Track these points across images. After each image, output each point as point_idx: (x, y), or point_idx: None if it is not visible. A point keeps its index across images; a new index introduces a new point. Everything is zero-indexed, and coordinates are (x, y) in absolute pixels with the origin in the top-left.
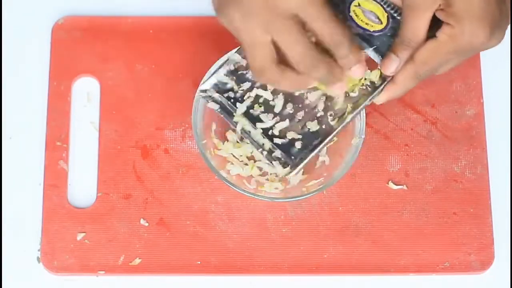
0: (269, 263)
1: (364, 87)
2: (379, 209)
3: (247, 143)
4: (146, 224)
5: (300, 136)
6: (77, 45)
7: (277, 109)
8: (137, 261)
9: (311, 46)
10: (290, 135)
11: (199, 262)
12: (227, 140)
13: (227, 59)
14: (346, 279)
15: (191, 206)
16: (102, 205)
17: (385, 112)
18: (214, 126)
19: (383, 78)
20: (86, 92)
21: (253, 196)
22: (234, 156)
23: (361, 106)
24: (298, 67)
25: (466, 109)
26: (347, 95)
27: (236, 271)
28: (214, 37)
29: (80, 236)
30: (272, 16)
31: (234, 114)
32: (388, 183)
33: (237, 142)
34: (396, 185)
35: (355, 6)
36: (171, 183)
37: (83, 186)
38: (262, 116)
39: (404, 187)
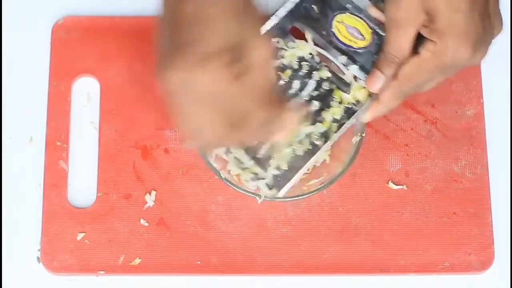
0: (269, 263)
1: (349, 106)
2: (379, 209)
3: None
4: (146, 224)
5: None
6: (77, 45)
7: None
8: (137, 261)
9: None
10: (275, 156)
11: (199, 262)
12: None
13: None
14: (346, 279)
15: (191, 206)
16: (102, 205)
17: None
18: None
19: (369, 96)
20: (86, 92)
21: (253, 196)
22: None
23: (346, 125)
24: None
25: (466, 109)
26: (333, 117)
27: (236, 271)
28: None
29: (80, 236)
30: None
31: None
32: (388, 183)
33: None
34: (396, 185)
35: (338, 22)
36: (171, 183)
37: (83, 186)
38: None
39: (404, 187)
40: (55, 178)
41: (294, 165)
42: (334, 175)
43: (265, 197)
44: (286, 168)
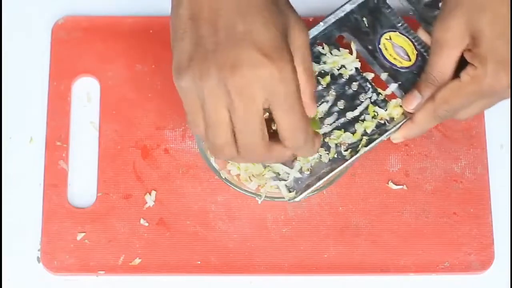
0: (269, 263)
1: (382, 122)
2: (379, 209)
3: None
4: (146, 224)
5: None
6: (77, 45)
7: None
8: (137, 261)
9: (265, 141)
10: (300, 158)
11: (199, 262)
12: None
13: None
14: (346, 279)
15: (191, 206)
16: (102, 205)
17: None
18: None
19: (403, 115)
20: (86, 92)
21: (253, 196)
22: None
23: (376, 141)
24: (248, 156)
25: None
26: (364, 130)
27: (236, 271)
28: None
29: (80, 236)
30: (238, 99)
31: None
32: (388, 183)
33: None
34: (396, 185)
35: (386, 39)
36: (171, 183)
37: (83, 186)
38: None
39: (404, 187)
40: (55, 178)
41: (317, 171)
42: (334, 175)
43: (283, 198)
44: (309, 173)
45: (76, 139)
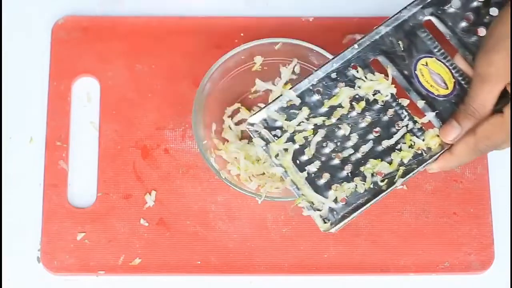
0: (269, 263)
1: (419, 152)
2: (379, 209)
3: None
4: (146, 224)
5: (346, 192)
6: (77, 45)
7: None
8: (137, 261)
9: None
10: (335, 188)
11: (199, 262)
12: (227, 141)
13: (281, 95)
14: (346, 279)
15: (191, 206)
16: (102, 205)
17: None
18: (214, 127)
19: (440, 145)
20: (86, 92)
21: (253, 196)
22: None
23: (413, 172)
24: None
25: None
26: (401, 160)
27: (236, 271)
28: (214, 37)
29: (80, 236)
30: None
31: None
32: None
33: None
34: None
35: (422, 65)
36: (171, 183)
37: (83, 186)
38: (308, 166)
39: (404, 187)
40: (55, 178)
41: (352, 201)
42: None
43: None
44: (344, 203)
45: (76, 139)
